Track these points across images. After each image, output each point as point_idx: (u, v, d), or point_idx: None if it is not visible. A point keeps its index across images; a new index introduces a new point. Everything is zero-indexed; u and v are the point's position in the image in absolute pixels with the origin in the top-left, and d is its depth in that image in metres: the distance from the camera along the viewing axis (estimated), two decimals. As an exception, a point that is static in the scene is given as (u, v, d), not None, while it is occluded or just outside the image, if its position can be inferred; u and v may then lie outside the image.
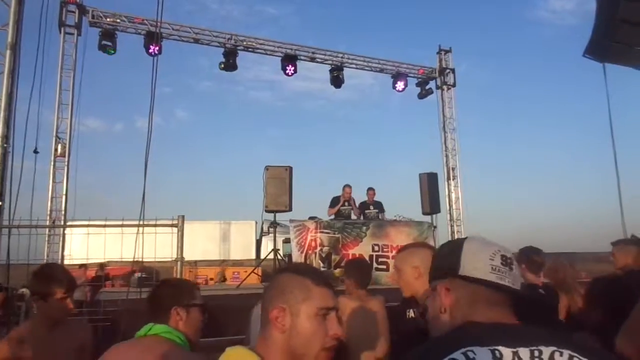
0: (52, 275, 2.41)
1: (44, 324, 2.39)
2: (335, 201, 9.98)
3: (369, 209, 10.07)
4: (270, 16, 49.51)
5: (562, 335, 1.00)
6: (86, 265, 10.23)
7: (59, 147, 10.49)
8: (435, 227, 10.68)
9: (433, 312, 1.17)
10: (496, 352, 0.92)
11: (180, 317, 1.92)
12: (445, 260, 1.17)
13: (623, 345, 1.88)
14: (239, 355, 1.22)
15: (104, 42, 11.09)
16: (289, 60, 12.68)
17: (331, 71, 13.41)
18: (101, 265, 11.22)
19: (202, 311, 2.01)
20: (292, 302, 1.23)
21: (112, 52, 11.26)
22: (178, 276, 4.77)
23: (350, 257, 8.82)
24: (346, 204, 10.01)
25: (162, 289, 2.03)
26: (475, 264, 1.10)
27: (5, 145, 5.36)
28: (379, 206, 10.17)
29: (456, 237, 14.35)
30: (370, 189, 10.24)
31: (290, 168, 9.18)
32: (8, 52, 5.48)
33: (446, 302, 1.12)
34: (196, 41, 12.23)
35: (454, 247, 1.17)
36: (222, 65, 12.14)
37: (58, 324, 2.42)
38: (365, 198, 10.22)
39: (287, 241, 9.53)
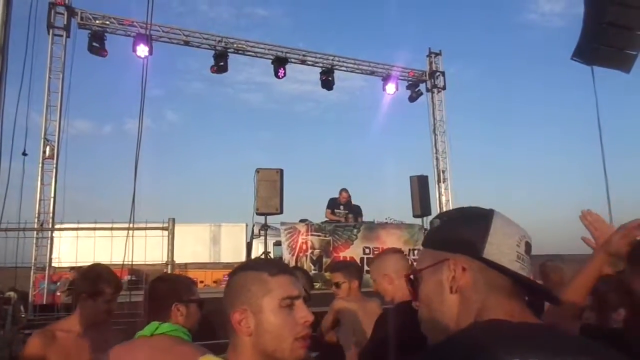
0: (102, 274, 2.43)
1: (82, 324, 2.39)
2: (332, 203, 10.02)
3: (339, 208, 10.03)
4: (260, 18, 49.49)
5: (594, 344, 0.87)
6: (77, 268, 10.15)
7: (48, 149, 10.39)
8: (426, 229, 10.71)
9: (435, 289, 0.96)
10: None
11: (181, 312, 1.92)
12: (465, 233, 0.96)
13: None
14: None
15: (94, 44, 11.02)
16: (280, 62, 12.69)
17: (322, 74, 13.43)
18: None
19: (200, 306, 2.03)
20: (252, 301, 1.15)
21: (104, 54, 11.22)
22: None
23: (341, 259, 8.83)
24: (341, 207, 10.03)
25: (160, 286, 2.03)
26: (503, 248, 0.93)
27: (-8, 147, 5.29)
28: (353, 209, 10.05)
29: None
30: (343, 189, 10.17)
31: (281, 171, 9.17)
32: (-4, 54, 5.42)
33: (461, 282, 0.93)
34: (186, 43, 12.20)
35: (480, 221, 0.96)
36: (215, 68, 12.10)
37: (94, 327, 2.41)
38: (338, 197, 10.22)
39: (278, 244, 9.53)
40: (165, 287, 2.00)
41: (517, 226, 0.98)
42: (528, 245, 0.96)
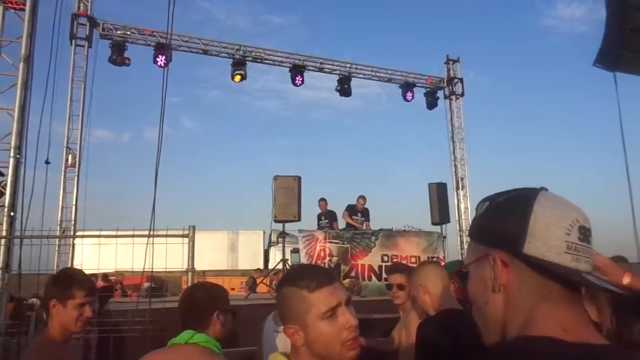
0: (73, 276, 2.21)
1: (58, 337, 2.12)
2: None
3: (357, 215, 10.13)
4: (277, 26, 49.93)
5: None
6: (96, 275, 10.28)
7: (70, 157, 10.57)
8: (445, 237, 10.63)
9: (479, 287, 0.87)
10: None
11: (221, 321, 1.95)
12: (503, 224, 0.84)
13: None
14: None
15: (116, 55, 11.21)
16: (297, 70, 12.74)
17: (339, 81, 13.45)
18: (105, 276, 11.24)
19: (234, 315, 2.06)
20: (298, 317, 1.27)
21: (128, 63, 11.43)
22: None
23: (359, 267, 8.81)
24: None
25: (200, 294, 2.02)
26: (548, 239, 0.80)
27: (18, 156, 5.41)
28: (366, 214, 10.25)
29: (465, 248, 14.25)
30: (361, 197, 10.32)
31: (299, 178, 9.18)
32: (21, 65, 5.55)
33: (502, 279, 0.83)
34: (205, 52, 12.33)
35: (519, 208, 0.83)
36: (238, 78, 12.18)
37: (70, 339, 2.19)
38: (355, 203, 10.32)
39: (295, 251, 9.53)
40: (207, 296, 2.00)
41: (570, 208, 0.83)
42: (584, 231, 0.81)
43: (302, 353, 1.28)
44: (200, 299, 1.98)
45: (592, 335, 0.80)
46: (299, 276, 1.33)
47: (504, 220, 0.84)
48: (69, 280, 2.17)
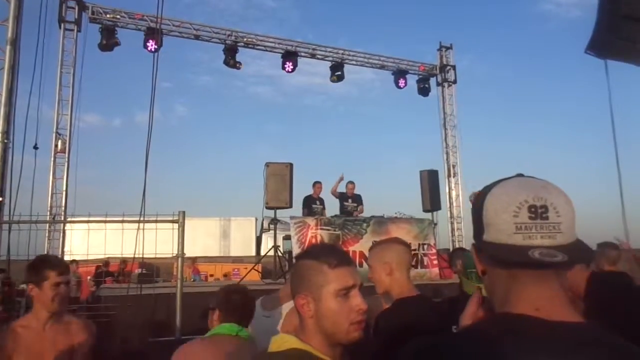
0: (45, 259, 2.44)
1: (41, 317, 2.32)
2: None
3: (347, 202, 10.04)
4: (270, 9, 49.40)
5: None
6: (77, 261, 10.23)
7: (59, 143, 10.48)
8: (435, 224, 10.70)
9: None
10: None
11: None
12: (475, 219, 0.94)
13: None
14: (286, 341, 1.30)
15: (104, 41, 11.06)
16: (289, 56, 12.66)
17: (331, 68, 13.38)
18: (106, 262, 11.23)
19: None
20: (313, 289, 1.30)
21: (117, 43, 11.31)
22: (178, 272, 4.76)
23: (350, 254, 8.83)
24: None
25: (243, 298, 2.23)
26: (499, 225, 0.86)
27: (5, 140, 5.35)
28: (358, 199, 10.13)
29: (456, 235, 14.37)
30: (349, 182, 10.21)
31: (291, 165, 9.15)
32: (8, 48, 5.47)
33: (478, 266, 0.95)
34: (196, 37, 12.21)
35: (478, 200, 0.94)
36: (239, 66, 12.13)
37: (56, 319, 2.35)
38: (345, 190, 10.20)
39: (287, 238, 9.54)
40: (249, 299, 2.25)
41: (522, 190, 0.87)
42: (534, 209, 0.84)
43: (309, 326, 1.30)
44: (242, 301, 2.22)
45: (565, 313, 0.84)
46: (322, 252, 1.36)
47: (475, 214, 0.95)
48: (41, 264, 2.36)
